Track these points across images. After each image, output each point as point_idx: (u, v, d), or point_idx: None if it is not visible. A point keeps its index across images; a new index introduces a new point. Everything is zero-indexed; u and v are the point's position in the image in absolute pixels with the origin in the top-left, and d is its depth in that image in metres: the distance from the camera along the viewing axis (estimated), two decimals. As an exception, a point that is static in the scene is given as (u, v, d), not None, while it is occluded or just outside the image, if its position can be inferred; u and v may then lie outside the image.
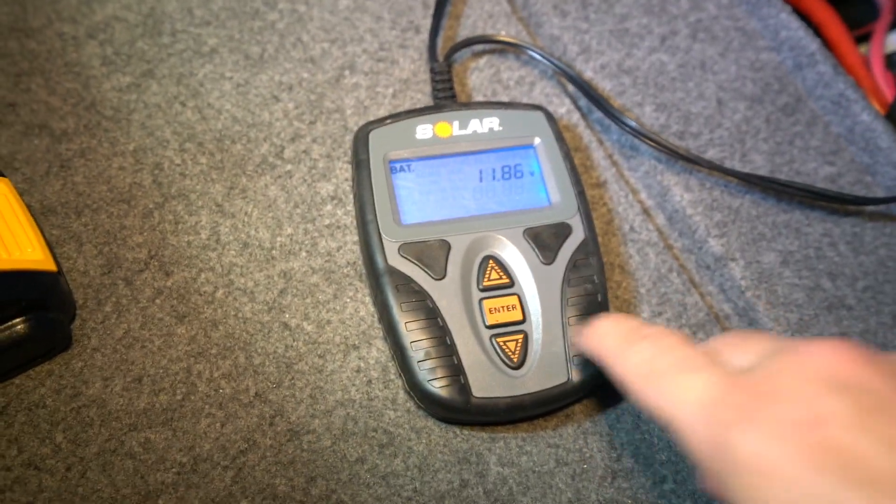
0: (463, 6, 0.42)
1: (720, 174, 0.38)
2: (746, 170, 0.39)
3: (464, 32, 0.41)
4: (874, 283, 0.37)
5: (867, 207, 0.38)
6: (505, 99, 0.40)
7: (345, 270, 0.34)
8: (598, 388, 0.33)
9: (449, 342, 0.31)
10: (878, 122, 0.39)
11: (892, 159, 0.39)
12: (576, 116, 0.40)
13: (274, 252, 0.34)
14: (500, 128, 0.36)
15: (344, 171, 0.37)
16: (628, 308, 0.35)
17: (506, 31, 0.41)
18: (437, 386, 0.30)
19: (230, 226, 0.35)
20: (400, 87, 0.39)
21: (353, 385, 0.32)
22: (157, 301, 0.32)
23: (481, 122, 0.36)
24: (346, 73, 0.39)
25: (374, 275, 0.32)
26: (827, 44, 0.43)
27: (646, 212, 0.39)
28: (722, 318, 0.37)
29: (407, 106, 0.39)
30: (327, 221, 0.35)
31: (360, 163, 0.34)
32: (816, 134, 0.40)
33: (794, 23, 0.41)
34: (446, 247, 0.33)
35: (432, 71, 0.38)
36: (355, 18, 0.41)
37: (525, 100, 0.40)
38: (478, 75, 0.40)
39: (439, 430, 0.32)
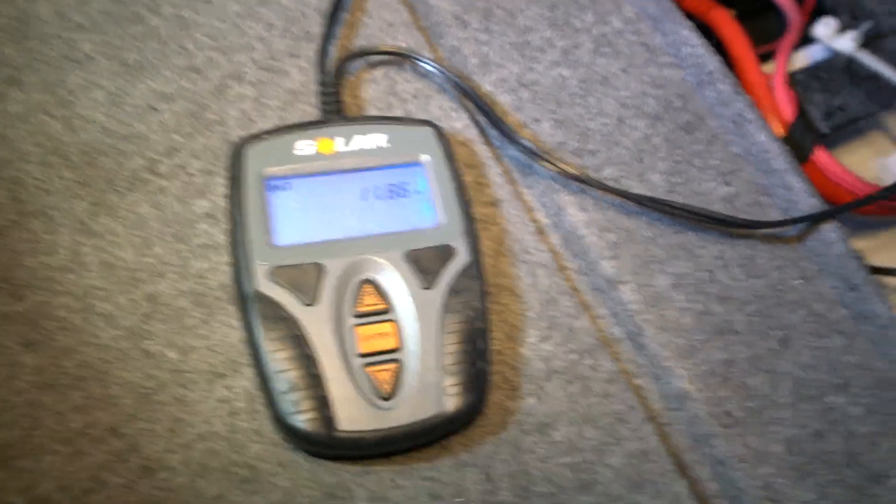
0: (361, 14, 0.41)
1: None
2: (643, 189, 0.38)
3: (360, 43, 0.40)
4: (763, 308, 0.37)
5: (761, 230, 0.38)
6: (400, 113, 0.38)
7: (216, 293, 0.33)
8: (473, 419, 0.32)
9: (315, 372, 0.30)
10: (773, 143, 0.39)
11: (785, 181, 0.39)
12: (473, 132, 0.39)
13: (140, 274, 0.33)
14: (388, 144, 0.35)
15: (222, 187, 0.35)
16: (514, 333, 0.35)
17: (405, 42, 0.40)
18: (300, 419, 0.29)
19: (93, 246, 0.33)
20: (288, 98, 0.38)
21: (217, 416, 0.31)
22: (4, 327, 0.30)
23: (367, 137, 0.34)
24: (232, 83, 0.37)
25: (243, 299, 0.31)
26: (730, 61, 0.43)
27: (540, 231, 0.38)
28: (612, 342, 0.36)
29: (295, 119, 0.37)
30: (201, 241, 0.34)
31: (234, 179, 0.33)
32: (715, 153, 0.40)
33: (696, 39, 0.40)
34: (320, 270, 0.31)
35: (320, 83, 0.37)
36: (245, 25, 0.39)
37: (421, 114, 0.39)
38: (373, 87, 0.39)
39: (307, 463, 0.30)
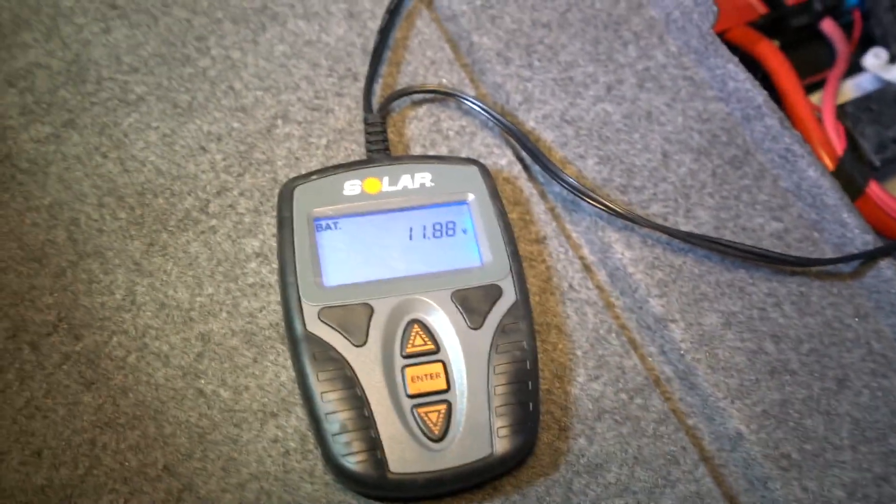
0: (404, 52, 0.42)
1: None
2: (691, 225, 0.38)
3: (404, 80, 0.41)
4: (819, 346, 0.37)
5: (813, 268, 0.38)
6: (444, 150, 0.39)
7: (267, 332, 0.34)
8: (524, 460, 0.32)
9: (367, 413, 0.30)
10: (824, 178, 0.39)
11: (838, 217, 0.39)
12: (517, 168, 0.39)
13: (192, 313, 0.34)
14: (433, 183, 0.35)
15: (271, 226, 0.36)
16: (563, 372, 0.35)
17: (449, 79, 0.41)
18: (352, 461, 0.30)
19: (147, 285, 0.34)
20: (334, 137, 0.39)
21: (269, 456, 0.31)
22: (65, 367, 0.32)
23: (412, 177, 0.35)
24: (279, 122, 0.39)
25: (292, 340, 0.32)
26: (778, 94, 0.43)
27: (586, 268, 0.38)
28: (662, 382, 0.36)
29: (341, 157, 0.38)
30: (251, 280, 0.35)
31: (283, 220, 0.34)
32: (764, 188, 0.40)
33: (742, 74, 0.41)
34: (369, 311, 0.32)
35: (365, 122, 0.38)
36: (291, 65, 0.40)
37: (465, 151, 0.39)
38: (416, 125, 0.40)
39: (358, 504, 0.31)
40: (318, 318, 0.32)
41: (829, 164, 0.42)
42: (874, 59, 0.45)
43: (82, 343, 0.32)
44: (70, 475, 0.30)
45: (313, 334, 0.31)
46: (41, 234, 0.34)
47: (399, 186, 0.35)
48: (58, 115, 0.37)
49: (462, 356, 0.32)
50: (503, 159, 0.39)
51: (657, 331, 0.37)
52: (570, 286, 0.37)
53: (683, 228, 0.38)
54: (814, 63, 0.47)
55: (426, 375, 0.32)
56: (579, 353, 0.35)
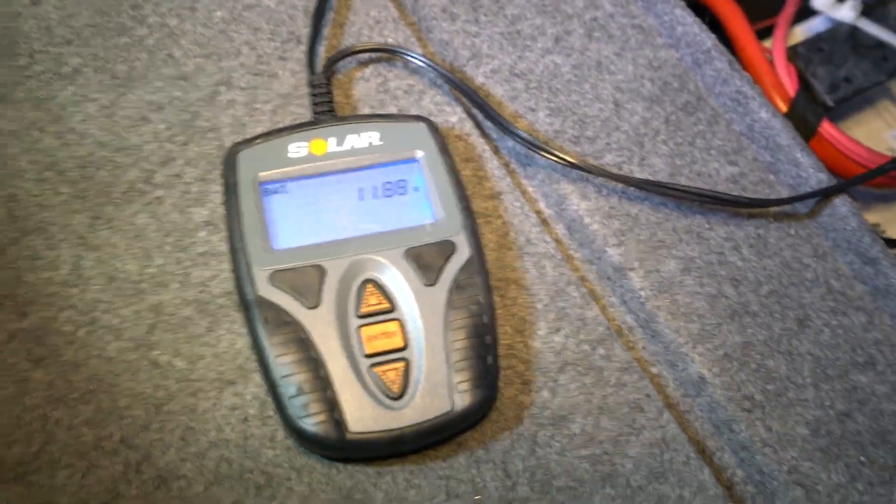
0: (347, 13, 0.43)
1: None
2: (646, 173, 0.40)
3: (349, 41, 0.42)
4: (778, 287, 0.38)
5: (770, 209, 0.40)
6: (393, 109, 0.40)
7: (220, 301, 0.35)
8: (486, 415, 0.33)
9: (322, 375, 0.31)
10: (776, 119, 0.40)
11: (792, 157, 0.40)
12: (468, 125, 0.40)
13: (143, 285, 0.34)
14: (381, 142, 0.36)
15: (219, 194, 0.37)
16: (524, 326, 0.36)
17: (394, 38, 0.42)
18: (310, 423, 0.31)
19: (94, 259, 0.35)
20: (280, 102, 0.40)
21: (228, 424, 0.32)
22: (12, 345, 0.32)
23: (360, 136, 0.36)
24: (222, 89, 0.39)
25: (245, 306, 0.33)
26: (728, 38, 0.45)
27: (543, 222, 0.40)
28: (624, 331, 0.38)
29: (288, 122, 0.39)
30: (201, 249, 0.36)
31: (229, 186, 0.35)
32: (718, 133, 0.42)
33: (689, 18, 0.42)
34: (321, 272, 0.33)
35: (310, 84, 0.39)
36: (231, 31, 0.41)
37: (414, 109, 0.40)
38: (364, 86, 0.41)
39: (321, 467, 0.32)
40: (270, 282, 0.33)
41: (782, 107, 0.44)
42: (825, -1, 0.47)
43: (28, 320, 0.33)
44: (23, 452, 0.30)
45: (265, 299, 0.32)
46: (-21, 213, 0.35)
47: (346, 147, 0.36)
48: (-10, 92, 0.37)
49: (418, 313, 0.33)
50: (454, 116, 0.40)
51: (616, 280, 0.38)
52: (528, 240, 0.38)
53: (638, 177, 0.40)
54: (765, 7, 0.48)
55: (382, 334, 0.33)
56: (539, 306, 0.37)
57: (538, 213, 0.40)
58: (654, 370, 0.37)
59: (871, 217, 0.49)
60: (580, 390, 0.35)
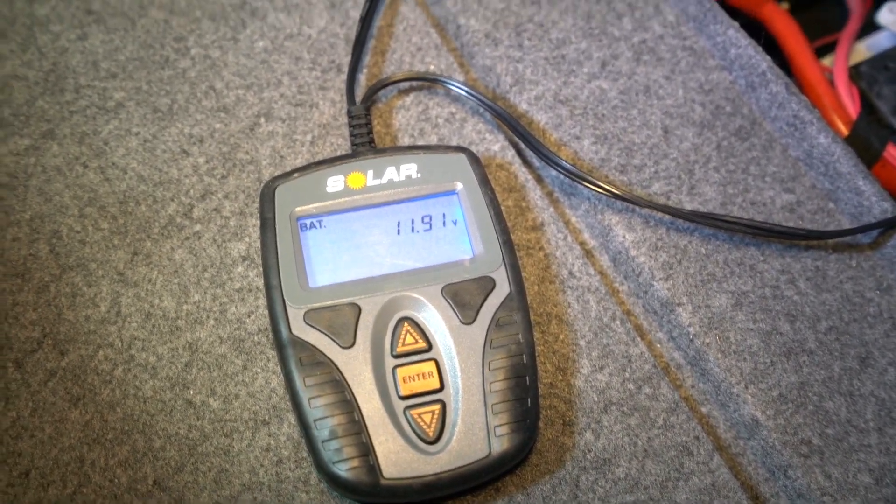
0: (389, 40, 0.41)
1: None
2: (696, 203, 0.37)
3: (390, 69, 0.40)
4: (838, 323, 0.35)
5: (829, 240, 0.37)
6: (434, 139, 0.39)
7: (256, 338, 0.34)
8: (525, 459, 0.32)
9: (357, 418, 0.30)
10: (836, 144, 0.37)
11: (853, 185, 0.37)
12: (510, 153, 0.39)
13: (179, 322, 0.34)
14: (419, 174, 0.35)
15: (257, 228, 0.36)
16: (566, 364, 0.34)
17: (436, 64, 0.41)
18: (344, 468, 0.29)
19: (132, 296, 0.34)
20: (320, 132, 0.38)
21: (262, 466, 0.31)
22: (50, 384, 0.32)
23: (398, 169, 0.35)
24: (262, 120, 0.39)
25: (279, 346, 0.31)
26: (785, 57, 0.42)
27: (587, 254, 0.37)
28: (672, 369, 0.35)
29: (327, 153, 0.38)
30: (238, 285, 0.35)
31: (265, 221, 0.33)
32: (773, 159, 0.39)
33: (743, 40, 0.39)
34: (356, 310, 0.32)
35: (349, 114, 0.37)
36: (273, 61, 0.40)
37: (455, 138, 0.39)
38: (404, 115, 0.39)
39: (355, 511, 0.31)
40: (304, 320, 0.31)
41: (843, 130, 0.41)
42: (889, 14, 0.44)
43: (67, 358, 0.32)
44: (59, 495, 0.30)
45: (299, 338, 0.31)
46: (23, 249, 0.34)
47: (384, 179, 0.35)
48: (36, 127, 0.37)
49: (455, 353, 0.31)
50: (496, 145, 0.39)
51: (664, 315, 0.36)
52: (571, 273, 0.36)
53: (688, 206, 0.37)
54: (826, 24, 0.45)
55: (418, 375, 0.31)
56: (582, 342, 0.35)
57: (582, 244, 0.37)
58: (703, 410, 0.35)
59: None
60: (625, 432, 0.33)
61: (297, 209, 0.34)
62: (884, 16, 0.44)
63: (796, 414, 0.34)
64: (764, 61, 0.39)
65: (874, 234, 0.37)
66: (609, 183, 0.37)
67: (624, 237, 0.36)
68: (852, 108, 0.41)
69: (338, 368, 0.31)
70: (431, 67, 0.40)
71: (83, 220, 0.35)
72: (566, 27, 0.41)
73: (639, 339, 0.35)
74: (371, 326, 0.31)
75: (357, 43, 0.39)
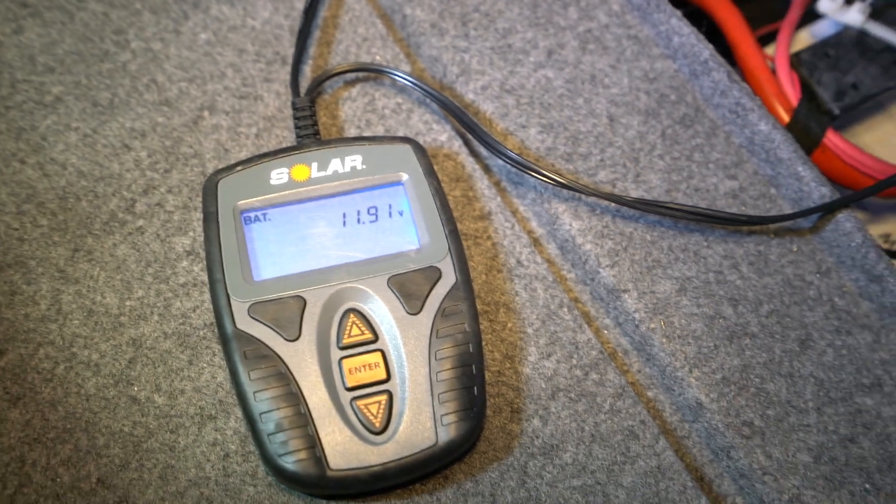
0: (335, 31, 0.41)
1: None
2: (641, 190, 0.38)
3: (336, 60, 0.40)
4: (780, 307, 0.36)
5: (770, 225, 0.38)
6: (381, 130, 0.39)
7: (201, 333, 0.33)
8: (472, 447, 0.32)
9: (303, 411, 0.30)
10: (776, 131, 0.38)
11: (794, 170, 0.38)
12: (457, 143, 0.39)
13: (122, 318, 0.33)
14: (364, 166, 0.35)
15: (202, 222, 0.36)
16: (513, 352, 0.35)
17: (383, 55, 0.41)
18: (290, 461, 0.29)
19: (73, 293, 0.34)
20: (265, 125, 0.38)
21: (209, 461, 0.31)
22: (-11, 384, 0.31)
23: (342, 160, 0.35)
24: (206, 113, 0.38)
25: (223, 340, 0.31)
26: (728, 45, 0.42)
27: (535, 242, 0.38)
28: (619, 355, 0.36)
29: (272, 146, 0.38)
30: (182, 280, 0.34)
31: (208, 215, 0.33)
32: (717, 146, 0.39)
33: (686, 28, 0.40)
34: (301, 303, 0.32)
35: (293, 106, 0.37)
36: (216, 53, 0.40)
37: (402, 129, 0.39)
38: (350, 106, 0.39)
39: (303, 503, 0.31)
40: (249, 314, 0.31)
41: (785, 117, 0.42)
42: (830, 2, 0.44)
43: (6, 357, 0.32)
44: (-2, 495, 0.29)
45: (243, 332, 0.31)
46: (-41, 248, 0.34)
47: (329, 171, 0.34)
48: (-29, 123, 0.37)
49: (401, 344, 0.32)
50: (442, 135, 0.39)
51: (610, 302, 0.36)
52: (518, 262, 0.36)
53: (633, 194, 0.38)
54: (768, 13, 0.46)
55: (364, 366, 0.31)
56: (530, 330, 0.35)
57: (529, 233, 0.38)
58: (649, 395, 0.35)
59: (882, 227, 0.46)
60: (572, 418, 0.33)
61: (241, 202, 0.33)
62: (824, 4, 0.45)
63: (738, 396, 0.34)
64: (706, 49, 0.39)
65: (814, 218, 0.38)
66: (555, 172, 0.37)
67: (571, 225, 0.37)
68: (793, 96, 0.41)
69: (283, 361, 0.31)
70: (377, 58, 0.40)
71: (21, 217, 0.35)
72: (512, 17, 0.41)
73: (586, 325, 0.35)
74: (317, 319, 0.31)
75: (301, 34, 0.39)
